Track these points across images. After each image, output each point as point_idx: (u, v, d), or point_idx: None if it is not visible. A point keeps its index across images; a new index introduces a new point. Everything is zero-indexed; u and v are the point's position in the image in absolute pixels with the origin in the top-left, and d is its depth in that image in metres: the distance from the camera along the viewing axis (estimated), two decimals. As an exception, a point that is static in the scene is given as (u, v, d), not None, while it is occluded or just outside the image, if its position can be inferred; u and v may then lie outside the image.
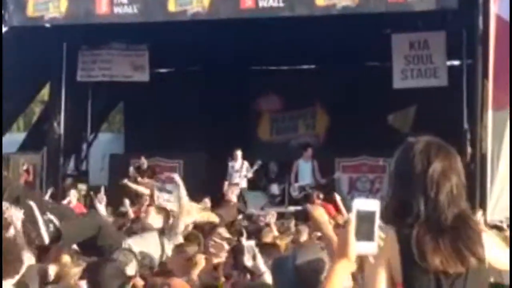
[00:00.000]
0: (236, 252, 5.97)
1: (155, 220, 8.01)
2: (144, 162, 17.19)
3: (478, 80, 15.03)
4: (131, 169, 17.14)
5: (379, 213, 1.90)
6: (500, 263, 3.11)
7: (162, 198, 13.83)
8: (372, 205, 1.91)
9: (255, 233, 9.33)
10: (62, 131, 18.72)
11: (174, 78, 20.98)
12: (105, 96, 20.69)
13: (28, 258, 5.57)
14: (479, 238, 2.96)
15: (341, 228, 2.11)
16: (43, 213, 6.72)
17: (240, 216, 13.86)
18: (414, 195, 2.94)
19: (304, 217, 9.44)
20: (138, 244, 7.14)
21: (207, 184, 17.57)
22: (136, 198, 14.79)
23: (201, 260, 6.31)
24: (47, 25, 16.85)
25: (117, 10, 16.05)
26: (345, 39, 17.44)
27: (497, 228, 10.09)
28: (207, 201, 13.91)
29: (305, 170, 17.63)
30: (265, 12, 15.59)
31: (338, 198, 8.95)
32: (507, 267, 3.16)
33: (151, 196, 14.02)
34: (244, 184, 17.17)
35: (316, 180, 17.38)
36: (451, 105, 17.16)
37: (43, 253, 6.69)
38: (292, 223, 11.38)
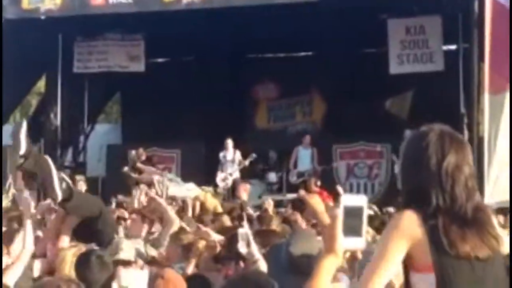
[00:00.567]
0: (231, 239, 5.98)
1: (139, 228, 7.93)
2: (142, 153, 17.16)
3: (474, 64, 15.05)
4: (132, 153, 17.06)
5: (366, 208, 1.90)
6: None
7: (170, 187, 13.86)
8: (359, 200, 1.92)
9: (258, 221, 9.36)
10: (59, 122, 18.73)
11: (170, 67, 20.96)
12: (102, 87, 20.67)
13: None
14: (493, 222, 3.03)
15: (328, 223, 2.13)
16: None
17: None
18: (429, 185, 2.97)
19: (301, 206, 9.45)
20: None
21: (205, 173, 17.60)
22: (135, 187, 14.81)
23: (197, 248, 6.30)
24: (42, 17, 16.81)
25: (112, 0, 16.04)
26: (342, 25, 17.43)
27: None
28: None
29: (304, 157, 17.65)
30: (260, 0, 15.59)
31: (340, 190, 8.99)
32: None
33: (150, 185, 14.03)
34: (237, 174, 17.19)
35: (314, 167, 17.41)
36: (448, 89, 17.17)
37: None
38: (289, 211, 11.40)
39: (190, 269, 6.11)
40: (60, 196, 6.38)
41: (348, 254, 4.94)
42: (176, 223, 7.08)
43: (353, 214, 1.90)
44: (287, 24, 17.29)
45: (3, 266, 5.33)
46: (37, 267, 5.87)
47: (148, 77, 19.11)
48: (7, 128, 19.67)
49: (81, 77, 19.38)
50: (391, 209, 11.76)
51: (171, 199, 12.12)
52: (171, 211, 7.47)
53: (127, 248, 5.67)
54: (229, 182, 16.86)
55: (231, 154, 17.36)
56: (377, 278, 2.85)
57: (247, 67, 20.58)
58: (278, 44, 19.59)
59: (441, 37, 17.55)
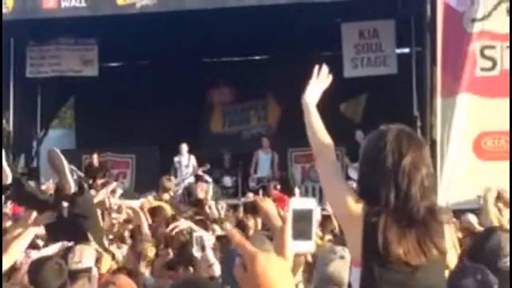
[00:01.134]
0: (185, 244, 5.95)
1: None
2: (94, 158, 17.00)
3: (427, 67, 15.21)
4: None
5: (316, 211, 1.90)
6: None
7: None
8: (308, 203, 1.91)
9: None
10: (11, 128, 18.46)
11: (124, 72, 20.83)
12: (55, 92, 20.45)
13: None
14: (442, 230, 3.01)
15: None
16: None
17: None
18: (385, 184, 2.98)
19: (253, 209, 9.43)
20: None
21: (159, 178, 17.49)
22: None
23: (146, 254, 6.25)
24: (-7, 21, 16.57)
25: (64, 4, 15.86)
26: (296, 29, 17.49)
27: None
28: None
29: (264, 162, 17.69)
30: (213, 3, 15.55)
31: (297, 192, 9.00)
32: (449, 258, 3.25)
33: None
34: (192, 179, 17.13)
35: (274, 173, 17.46)
36: (401, 92, 17.33)
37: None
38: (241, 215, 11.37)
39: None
40: (73, 187, 6.27)
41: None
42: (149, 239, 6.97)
43: (302, 217, 1.89)
44: (242, 28, 17.29)
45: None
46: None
47: (102, 82, 18.96)
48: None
49: (34, 82, 19.15)
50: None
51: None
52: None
53: (89, 256, 5.57)
54: (182, 187, 16.81)
55: (185, 159, 17.31)
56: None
57: (202, 71, 20.54)
58: (234, 48, 19.60)
59: (394, 41, 17.73)
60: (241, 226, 9.01)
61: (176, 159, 17.32)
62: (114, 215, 8.51)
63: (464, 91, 14.78)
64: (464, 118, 14.79)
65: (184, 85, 20.02)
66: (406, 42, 17.63)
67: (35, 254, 5.31)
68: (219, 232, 7.50)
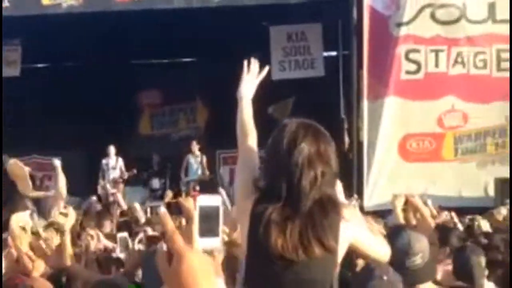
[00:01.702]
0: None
1: None
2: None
3: (353, 71, 15.40)
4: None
5: (222, 208, 1.92)
6: (365, 249, 3.15)
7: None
8: (215, 200, 1.92)
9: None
10: None
11: (49, 73, 20.48)
12: (-22, 93, 19.97)
13: None
14: (334, 227, 2.91)
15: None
16: None
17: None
18: (279, 177, 2.93)
19: (177, 209, 9.42)
20: None
21: (86, 180, 17.29)
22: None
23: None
24: None
25: (-13, 3, 15.53)
26: (224, 31, 17.50)
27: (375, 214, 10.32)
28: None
29: (193, 165, 17.66)
30: (141, 5, 15.44)
31: (223, 192, 9.00)
32: (373, 253, 3.21)
33: None
34: (119, 181, 17.01)
35: (203, 175, 17.46)
36: (329, 95, 17.53)
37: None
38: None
39: None
40: None
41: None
42: None
43: (209, 214, 1.90)
44: (170, 30, 17.22)
45: None
46: None
47: (25, 83, 18.58)
48: None
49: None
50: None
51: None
52: None
53: None
54: (109, 189, 16.67)
55: (113, 161, 17.15)
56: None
57: (130, 73, 20.35)
58: (162, 50, 19.48)
59: (322, 44, 17.91)
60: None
61: (103, 161, 17.15)
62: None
63: (390, 94, 15.03)
64: (390, 121, 15.04)
65: (111, 87, 19.80)
66: (334, 45, 17.84)
67: None
68: (149, 232, 7.47)
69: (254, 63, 3.67)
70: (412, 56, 15.08)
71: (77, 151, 18.60)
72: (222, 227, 1.92)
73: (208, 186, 16.50)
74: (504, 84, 14.99)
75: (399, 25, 15.06)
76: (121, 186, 16.76)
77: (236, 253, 4.77)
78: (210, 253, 1.86)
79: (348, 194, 12.98)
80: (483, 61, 15.09)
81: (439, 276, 4.89)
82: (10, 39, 18.13)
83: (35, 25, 16.42)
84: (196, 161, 17.63)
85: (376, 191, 14.73)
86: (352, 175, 14.58)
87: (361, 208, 11.59)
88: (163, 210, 1.95)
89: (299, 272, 2.87)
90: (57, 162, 9.42)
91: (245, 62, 3.64)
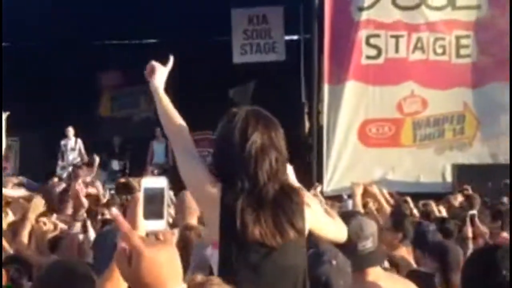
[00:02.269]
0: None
1: None
2: None
3: (314, 55, 15.43)
4: None
5: (167, 189, 1.91)
6: (325, 232, 3.22)
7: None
8: (159, 182, 1.92)
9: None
10: None
11: (8, 53, 20.19)
12: None
13: None
14: (300, 211, 2.99)
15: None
16: None
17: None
18: (235, 170, 2.97)
19: (127, 189, 9.36)
20: None
21: (45, 162, 17.14)
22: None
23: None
24: None
25: None
26: (186, 13, 17.42)
27: (332, 199, 10.41)
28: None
29: (159, 150, 17.60)
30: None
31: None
32: (332, 235, 3.29)
33: None
34: (78, 162, 16.87)
35: (168, 160, 17.41)
36: (290, 79, 17.55)
37: None
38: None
39: None
40: None
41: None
42: None
43: (154, 196, 1.90)
44: (131, 11, 17.08)
45: None
46: None
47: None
48: None
49: None
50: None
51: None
52: None
53: None
54: (69, 170, 16.52)
55: (72, 142, 17.02)
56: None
57: (90, 54, 20.15)
58: (122, 31, 19.32)
59: (283, 28, 17.91)
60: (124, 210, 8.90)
61: (62, 142, 17.00)
62: None
63: (350, 78, 15.09)
64: (350, 105, 15.11)
65: (71, 67, 19.60)
66: (295, 29, 17.85)
67: None
68: (107, 216, 7.43)
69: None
70: (372, 41, 15.16)
71: (35, 132, 18.41)
72: (167, 210, 1.92)
73: (170, 171, 16.49)
74: (462, 71, 15.16)
75: (360, 9, 15.12)
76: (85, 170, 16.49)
77: (191, 237, 4.77)
78: (155, 235, 1.86)
79: (308, 178, 13.12)
80: (443, 47, 15.23)
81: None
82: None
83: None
84: (160, 146, 17.56)
85: (336, 176, 14.81)
86: (311, 160, 14.65)
87: (321, 193, 11.68)
88: (115, 211, 1.93)
89: (277, 259, 2.92)
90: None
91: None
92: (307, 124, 15.88)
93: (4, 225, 6.42)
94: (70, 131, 17.02)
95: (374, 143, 15.18)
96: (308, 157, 15.08)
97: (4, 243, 6.01)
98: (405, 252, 5.70)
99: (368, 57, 15.18)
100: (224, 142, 3.07)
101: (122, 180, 8.55)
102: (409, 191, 10.44)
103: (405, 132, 15.29)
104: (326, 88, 15.10)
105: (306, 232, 3.04)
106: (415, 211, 8.11)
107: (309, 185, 10.09)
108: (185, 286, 1.84)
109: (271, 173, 2.97)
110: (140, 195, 1.90)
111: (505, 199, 9.97)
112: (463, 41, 15.27)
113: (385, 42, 15.17)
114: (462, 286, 2.74)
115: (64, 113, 18.22)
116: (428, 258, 5.04)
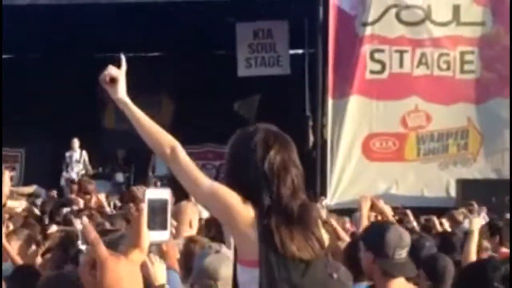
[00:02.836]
0: (65, 238, 5.86)
1: None
2: None
3: (319, 69, 15.49)
4: None
5: (170, 201, 1.94)
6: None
7: None
8: (163, 193, 1.95)
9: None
10: None
11: (14, 64, 20.27)
12: None
13: None
14: (319, 226, 3.13)
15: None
16: None
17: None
18: (258, 185, 3.01)
19: (130, 198, 9.37)
20: None
21: (50, 173, 17.18)
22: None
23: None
24: None
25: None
26: (191, 27, 17.48)
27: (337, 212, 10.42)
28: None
29: (160, 162, 17.62)
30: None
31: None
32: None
33: None
34: (82, 174, 16.90)
35: (170, 171, 17.44)
36: (294, 93, 17.59)
37: None
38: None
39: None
40: None
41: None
42: None
43: (158, 207, 1.92)
44: (136, 24, 17.14)
45: None
46: None
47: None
48: None
49: None
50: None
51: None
52: None
53: None
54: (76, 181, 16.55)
55: (77, 154, 17.05)
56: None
57: (95, 66, 20.12)
58: (126, 44, 19.36)
59: (288, 42, 17.97)
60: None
61: (67, 154, 17.04)
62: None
63: (355, 93, 15.13)
64: (354, 119, 15.14)
65: (76, 80, 19.66)
66: (300, 43, 17.90)
67: None
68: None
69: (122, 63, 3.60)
70: (377, 56, 15.20)
71: (41, 143, 18.46)
72: (170, 221, 1.94)
73: (173, 182, 16.50)
74: (467, 86, 15.19)
75: (365, 24, 15.18)
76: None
77: (195, 250, 4.79)
78: (158, 246, 1.88)
79: (312, 192, 13.12)
80: (447, 62, 15.26)
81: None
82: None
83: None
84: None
85: (339, 190, 14.82)
86: (315, 173, 14.67)
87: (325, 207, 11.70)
88: (85, 219, 1.95)
89: (313, 274, 3.00)
90: None
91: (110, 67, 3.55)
92: (311, 138, 15.90)
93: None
94: (75, 142, 17.06)
95: (378, 157, 15.19)
96: (312, 171, 15.10)
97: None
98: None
99: (372, 72, 15.23)
100: (245, 160, 3.09)
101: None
102: (412, 205, 10.44)
103: (409, 147, 15.31)
104: (330, 102, 15.15)
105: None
106: (415, 225, 8.11)
107: (312, 199, 10.10)
108: None
109: (293, 189, 3.03)
110: (144, 206, 1.92)
111: (507, 215, 9.96)
112: (468, 57, 15.31)
113: (389, 57, 15.22)
114: None
115: (70, 125, 18.27)
116: (421, 273, 5.06)
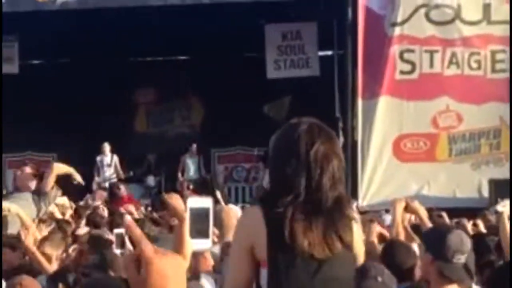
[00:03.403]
0: (96, 240, 5.89)
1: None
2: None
3: (348, 70, 15.45)
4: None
5: (212, 210, 1.95)
6: (357, 251, 3.22)
7: None
8: (205, 202, 1.96)
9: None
10: None
11: (45, 69, 20.47)
12: (-27, 89, 19.94)
13: None
14: (350, 224, 3.06)
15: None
16: None
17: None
18: (297, 174, 3.02)
19: (162, 205, 9.42)
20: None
21: (81, 177, 17.26)
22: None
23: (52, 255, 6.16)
24: None
25: (-17, 0, 15.52)
26: (220, 29, 17.51)
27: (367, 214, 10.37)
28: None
29: (191, 166, 17.71)
30: (135, 2, 15.49)
31: (218, 195, 9.07)
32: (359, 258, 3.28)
33: None
34: (114, 178, 17.00)
35: (201, 175, 17.49)
36: (324, 94, 17.53)
37: None
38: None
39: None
40: None
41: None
42: None
43: (200, 216, 1.93)
44: (165, 27, 17.22)
45: None
46: None
47: (22, 79, 18.57)
48: None
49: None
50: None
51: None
52: None
53: None
54: (106, 186, 16.65)
55: (108, 158, 17.16)
56: (232, 281, 3.00)
57: (125, 70, 20.34)
58: (157, 47, 19.48)
59: (317, 43, 17.94)
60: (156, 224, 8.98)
61: (98, 158, 17.15)
62: None
63: (385, 93, 15.06)
64: (384, 120, 15.07)
65: (107, 84, 19.80)
66: (329, 44, 17.85)
67: None
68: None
69: None
70: (406, 56, 15.12)
71: (72, 147, 18.58)
72: (212, 229, 1.95)
73: (204, 186, 16.52)
74: (498, 85, 15.05)
75: (394, 25, 15.10)
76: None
77: None
78: (201, 254, 1.89)
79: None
80: (478, 62, 15.13)
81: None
82: (7, 35, 18.12)
83: (31, 22, 16.42)
84: (193, 161, 17.66)
85: (370, 191, 14.76)
86: (346, 175, 14.61)
87: (356, 208, 11.66)
88: (129, 218, 1.95)
89: (325, 272, 2.95)
90: None
91: None
92: (341, 139, 15.85)
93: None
94: (106, 147, 17.17)
95: (409, 158, 15.10)
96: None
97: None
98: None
99: (402, 72, 15.14)
100: (288, 151, 3.10)
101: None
102: (445, 206, 10.37)
103: (441, 147, 15.20)
104: (360, 103, 15.09)
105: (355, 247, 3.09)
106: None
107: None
108: None
109: (333, 180, 3.04)
110: (187, 215, 1.93)
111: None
112: (499, 56, 15.16)
113: (419, 57, 15.12)
114: None
115: (100, 129, 18.40)
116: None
